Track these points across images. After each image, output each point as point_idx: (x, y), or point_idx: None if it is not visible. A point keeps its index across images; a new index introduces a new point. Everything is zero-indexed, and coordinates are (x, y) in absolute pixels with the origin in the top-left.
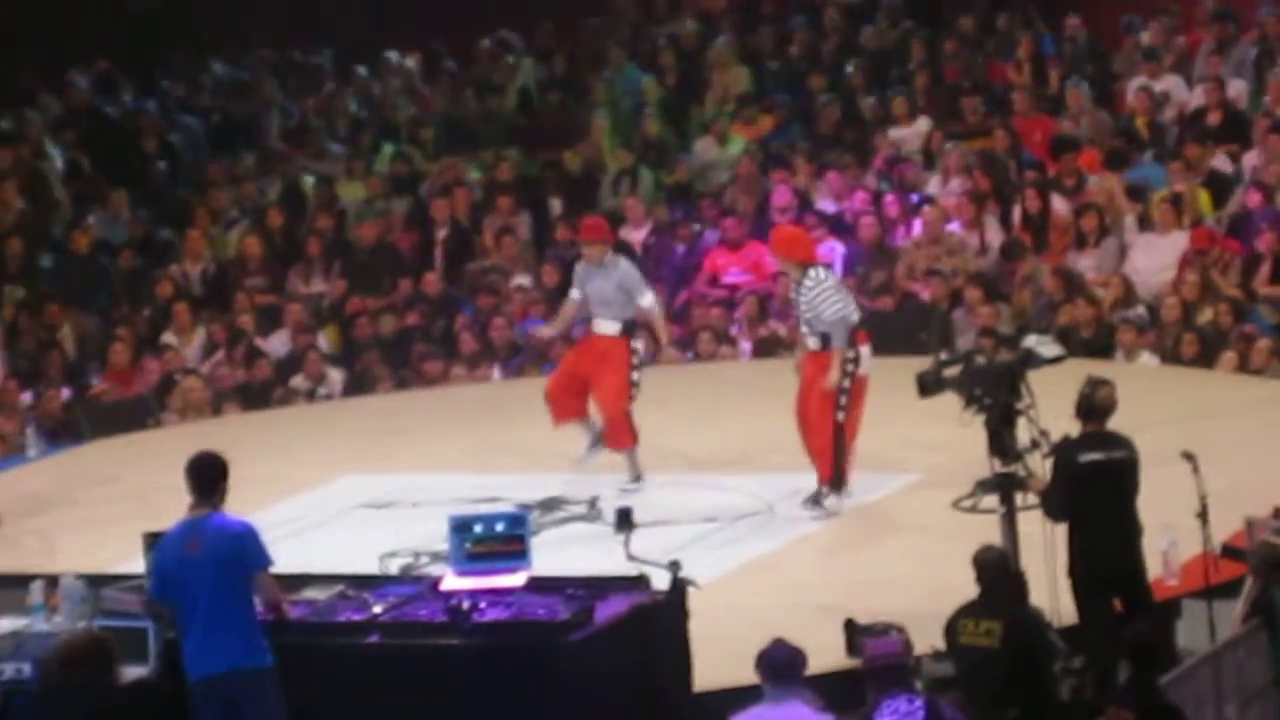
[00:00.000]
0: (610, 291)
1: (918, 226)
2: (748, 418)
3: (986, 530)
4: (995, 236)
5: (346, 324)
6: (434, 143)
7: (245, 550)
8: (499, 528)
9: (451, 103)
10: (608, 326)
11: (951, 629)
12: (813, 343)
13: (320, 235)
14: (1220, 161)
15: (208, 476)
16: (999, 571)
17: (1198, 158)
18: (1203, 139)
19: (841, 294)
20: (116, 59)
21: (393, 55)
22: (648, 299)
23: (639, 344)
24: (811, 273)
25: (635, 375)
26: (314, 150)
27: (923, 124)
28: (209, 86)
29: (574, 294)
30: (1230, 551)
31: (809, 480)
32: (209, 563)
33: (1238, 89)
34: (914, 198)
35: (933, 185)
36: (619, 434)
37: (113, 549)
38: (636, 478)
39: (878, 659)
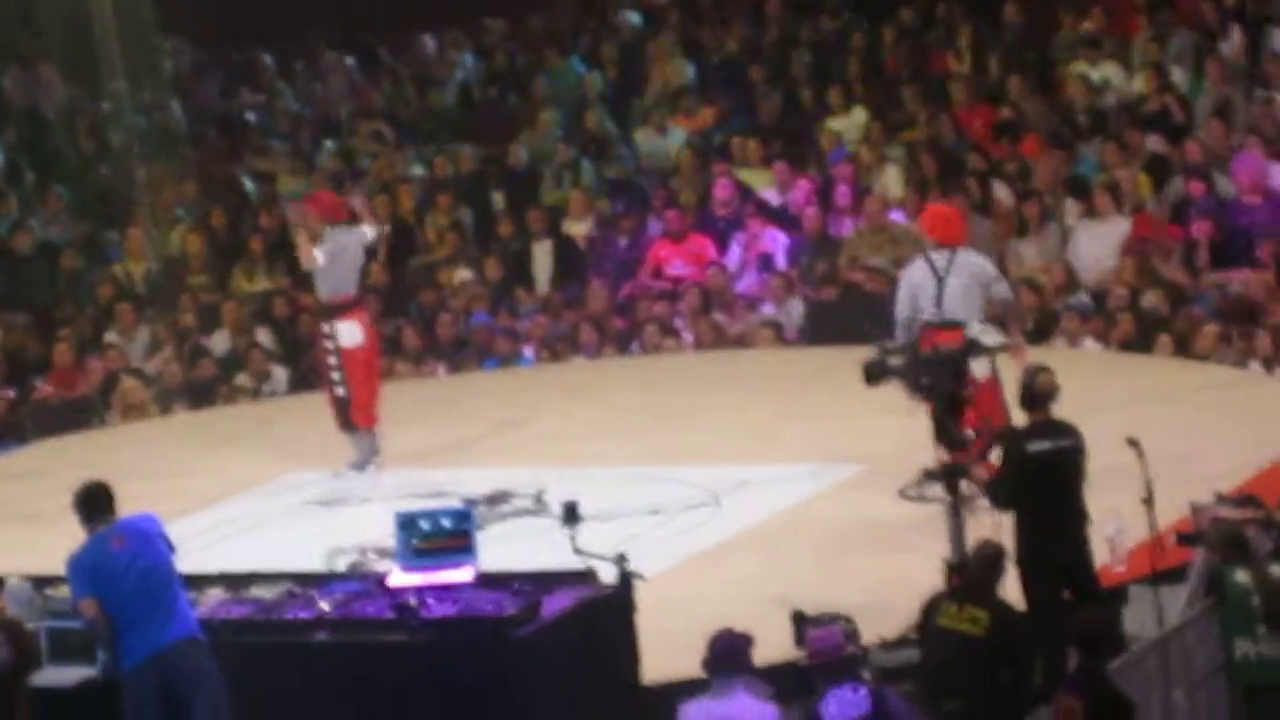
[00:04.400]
0: None
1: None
2: (693, 410)
3: (933, 519)
4: None
5: (290, 321)
6: (375, 138)
7: (161, 531)
8: (445, 523)
9: (392, 99)
10: None
11: (931, 609)
12: None
13: (263, 233)
14: (1161, 148)
15: (104, 497)
16: (993, 567)
17: (1138, 144)
18: (1143, 126)
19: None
20: (58, 58)
21: (331, 52)
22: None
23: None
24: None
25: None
26: (256, 148)
27: (859, 114)
28: (154, 85)
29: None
30: (1185, 537)
31: (755, 472)
32: (135, 551)
33: (1177, 76)
34: (855, 188)
35: (878, 175)
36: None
37: (57, 550)
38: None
39: (820, 650)
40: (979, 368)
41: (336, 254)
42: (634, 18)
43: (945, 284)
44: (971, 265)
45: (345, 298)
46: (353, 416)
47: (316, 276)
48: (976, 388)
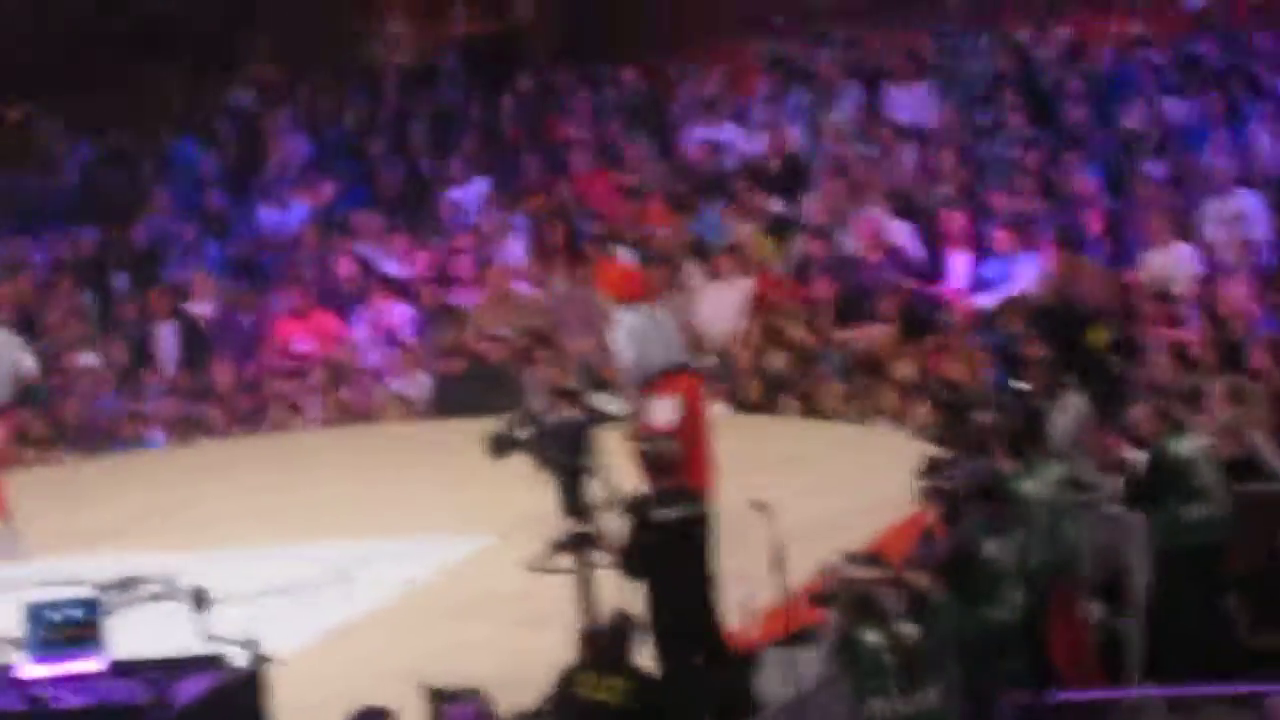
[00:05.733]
0: None
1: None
2: (321, 486)
3: (564, 590)
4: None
5: None
6: None
7: None
8: (74, 613)
9: (10, 181)
10: None
11: (568, 681)
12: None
13: None
14: (781, 208)
15: None
16: (626, 635)
17: (757, 204)
18: (764, 186)
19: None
20: None
21: None
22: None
23: None
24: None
25: None
26: None
27: (480, 184)
28: None
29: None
30: (815, 599)
31: (386, 546)
32: None
33: (794, 135)
34: (477, 258)
35: (501, 245)
36: None
37: None
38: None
39: None
40: (662, 413)
41: None
42: (246, 97)
43: (665, 332)
44: (668, 317)
45: None
46: None
47: None
48: (679, 429)
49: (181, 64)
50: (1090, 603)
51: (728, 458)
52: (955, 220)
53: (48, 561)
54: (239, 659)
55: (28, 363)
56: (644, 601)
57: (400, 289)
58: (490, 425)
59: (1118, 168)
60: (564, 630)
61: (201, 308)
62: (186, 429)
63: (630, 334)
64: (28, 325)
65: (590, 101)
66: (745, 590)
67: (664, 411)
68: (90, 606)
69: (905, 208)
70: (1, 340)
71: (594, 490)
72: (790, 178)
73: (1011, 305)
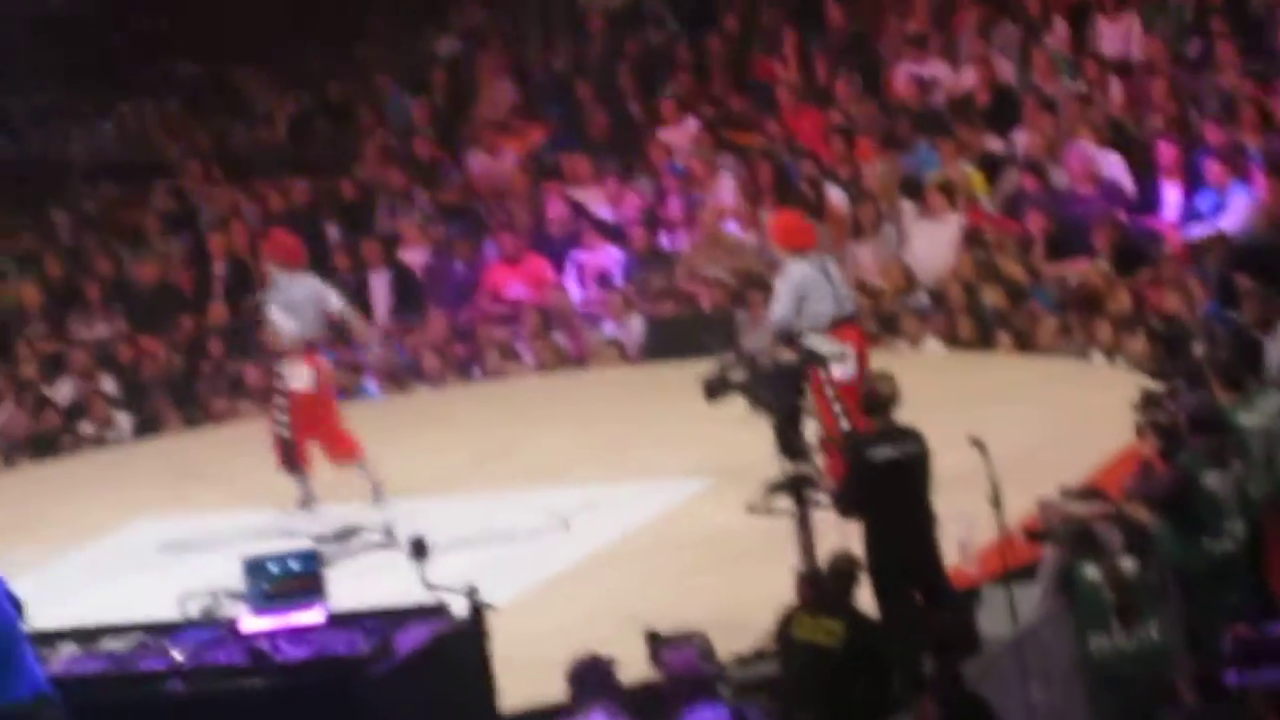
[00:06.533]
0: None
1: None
2: (538, 433)
3: (783, 531)
4: None
5: (130, 366)
6: (206, 177)
7: (5, 588)
8: (293, 565)
9: (221, 135)
10: None
11: (785, 621)
12: None
13: (99, 278)
14: (992, 143)
15: None
16: (846, 577)
17: (969, 140)
18: (973, 121)
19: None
20: None
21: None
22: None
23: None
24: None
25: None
26: (85, 192)
27: (691, 125)
28: None
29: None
30: (1034, 535)
31: (603, 492)
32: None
33: (1004, 69)
34: (687, 200)
35: (711, 186)
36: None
37: None
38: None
39: (677, 670)
40: (842, 370)
41: (287, 304)
42: (452, 42)
43: (834, 282)
44: (837, 267)
45: (300, 340)
46: (296, 457)
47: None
48: (846, 389)
49: (390, 14)
50: None
51: (943, 394)
52: (1167, 152)
53: (267, 513)
54: (459, 607)
55: (334, 301)
56: (862, 541)
57: (611, 232)
58: (704, 368)
59: None
60: (783, 572)
61: (414, 256)
62: (401, 377)
63: (795, 284)
64: (242, 276)
65: (797, 39)
66: (963, 528)
67: (839, 362)
68: (308, 559)
69: (1117, 140)
70: (305, 283)
71: (810, 431)
72: (1000, 112)
73: (1217, 240)
